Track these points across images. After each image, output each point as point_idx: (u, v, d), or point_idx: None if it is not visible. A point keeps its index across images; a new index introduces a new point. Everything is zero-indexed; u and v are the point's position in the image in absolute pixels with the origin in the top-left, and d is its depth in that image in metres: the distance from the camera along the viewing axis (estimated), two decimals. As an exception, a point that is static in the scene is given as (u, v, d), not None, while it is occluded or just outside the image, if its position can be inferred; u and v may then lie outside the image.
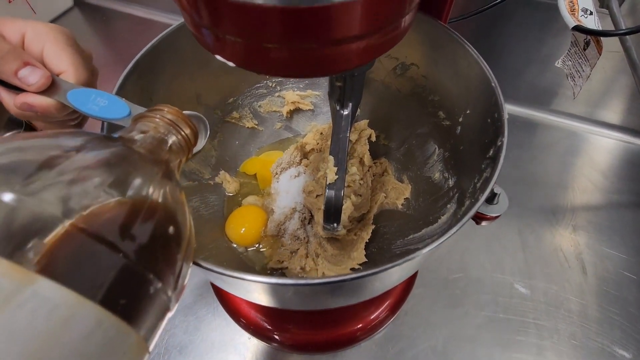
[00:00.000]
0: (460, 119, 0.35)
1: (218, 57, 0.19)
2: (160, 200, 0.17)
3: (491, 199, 0.27)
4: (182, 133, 0.20)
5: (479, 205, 0.22)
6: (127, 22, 0.85)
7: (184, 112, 0.22)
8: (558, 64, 0.46)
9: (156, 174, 0.17)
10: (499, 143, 0.25)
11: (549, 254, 0.52)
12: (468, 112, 0.33)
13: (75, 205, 0.14)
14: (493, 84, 0.29)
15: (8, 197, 0.13)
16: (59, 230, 0.13)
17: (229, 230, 0.41)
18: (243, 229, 0.41)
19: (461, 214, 0.28)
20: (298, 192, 0.43)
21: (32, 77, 0.22)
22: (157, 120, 0.20)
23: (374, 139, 0.43)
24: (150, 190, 0.16)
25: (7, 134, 0.17)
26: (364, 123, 0.44)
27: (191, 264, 0.19)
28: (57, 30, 0.25)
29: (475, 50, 0.31)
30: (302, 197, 0.43)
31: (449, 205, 0.35)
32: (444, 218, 0.34)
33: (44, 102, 0.23)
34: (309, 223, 0.43)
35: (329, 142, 0.45)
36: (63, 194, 0.14)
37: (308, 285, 0.20)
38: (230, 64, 0.19)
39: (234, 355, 0.43)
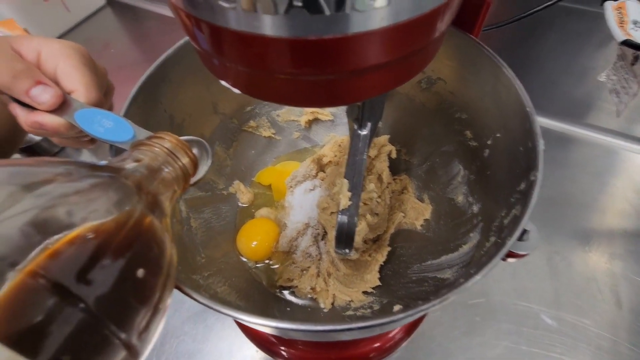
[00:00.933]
0: (489, 142, 0.32)
1: (223, 82, 0.18)
2: (136, 239, 0.15)
3: (520, 235, 0.25)
4: (180, 163, 0.19)
5: (507, 249, 0.20)
6: (155, 21, 0.86)
7: (185, 137, 0.21)
8: (601, 77, 0.42)
9: (136, 208, 0.16)
10: (532, 178, 0.23)
11: (581, 284, 0.48)
12: (498, 135, 0.31)
13: (31, 245, 0.12)
14: (528, 109, 0.26)
15: None
16: (11, 275, 0.12)
17: (240, 243, 0.40)
18: (254, 243, 0.40)
19: (485, 250, 0.26)
20: (312, 207, 0.42)
21: (43, 96, 0.22)
22: (156, 149, 0.19)
23: (394, 155, 0.41)
24: (125, 228, 0.15)
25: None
26: (384, 139, 0.42)
27: (169, 301, 0.18)
28: (72, 49, 0.25)
29: (510, 70, 0.28)
30: (316, 212, 0.41)
31: (471, 234, 0.32)
32: (465, 248, 0.32)
33: (54, 121, 0.23)
34: (322, 239, 0.42)
35: (347, 156, 0.43)
36: (22, 231, 0.12)
37: (315, 331, 0.19)
38: (236, 90, 0.18)
39: (240, 369, 0.43)
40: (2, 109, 0.32)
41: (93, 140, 0.28)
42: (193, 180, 0.22)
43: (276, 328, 0.19)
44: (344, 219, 0.28)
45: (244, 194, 0.44)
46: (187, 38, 0.33)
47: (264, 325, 0.19)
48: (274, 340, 0.42)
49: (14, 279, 0.12)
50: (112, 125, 0.23)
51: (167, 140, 0.20)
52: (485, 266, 0.20)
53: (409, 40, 0.15)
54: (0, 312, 0.11)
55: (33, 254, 0.12)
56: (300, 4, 0.12)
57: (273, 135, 0.47)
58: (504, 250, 0.20)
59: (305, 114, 0.47)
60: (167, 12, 0.86)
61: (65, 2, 0.77)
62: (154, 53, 0.87)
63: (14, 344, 0.11)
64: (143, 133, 0.23)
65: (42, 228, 0.13)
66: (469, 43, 0.31)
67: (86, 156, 0.63)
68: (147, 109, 0.31)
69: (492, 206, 0.29)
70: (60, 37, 0.79)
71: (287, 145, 0.48)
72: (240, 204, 0.44)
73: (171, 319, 0.45)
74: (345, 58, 0.14)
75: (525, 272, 0.49)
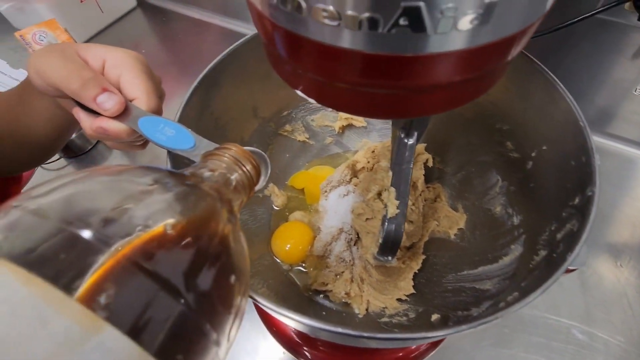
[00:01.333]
0: (533, 154, 0.32)
1: (298, 92, 0.19)
2: (226, 244, 0.16)
3: (570, 250, 0.25)
4: (247, 173, 0.20)
5: (568, 264, 0.20)
6: (184, 23, 0.88)
7: (247, 148, 0.22)
8: (636, 91, 0.41)
9: (222, 216, 0.17)
10: (589, 193, 0.23)
11: (612, 299, 0.47)
12: (545, 148, 0.31)
13: (142, 248, 0.13)
14: (582, 124, 0.26)
15: (86, 234, 0.13)
16: (125, 272, 0.12)
17: (275, 246, 0.41)
18: (288, 246, 0.41)
19: (535, 264, 0.26)
20: (346, 212, 0.42)
21: (108, 103, 0.24)
22: (226, 159, 0.20)
23: (430, 164, 0.41)
24: (218, 233, 0.16)
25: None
26: (421, 147, 0.42)
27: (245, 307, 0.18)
28: (134, 58, 0.26)
29: (561, 84, 0.28)
30: (351, 217, 0.41)
31: (512, 246, 0.32)
32: (506, 260, 0.32)
33: (117, 127, 0.24)
34: (354, 245, 0.42)
35: (381, 163, 0.44)
36: (134, 234, 0.13)
37: (376, 339, 0.19)
38: (311, 100, 0.18)
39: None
40: (53, 113, 0.33)
41: (144, 145, 0.29)
42: (256, 188, 0.23)
43: (332, 332, 0.20)
44: (391, 227, 0.28)
45: (278, 197, 0.44)
46: (236, 44, 0.33)
47: (325, 330, 0.20)
48: (299, 341, 0.43)
49: (115, 255, 0.12)
50: (173, 134, 0.24)
51: (234, 151, 0.21)
52: (546, 282, 0.20)
53: (493, 58, 0.15)
54: (117, 298, 0.12)
55: (134, 237, 0.13)
56: (405, 23, 0.12)
57: (307, 140, 0.47)
58: (565, 265, 0.20)
59: (340, 119, 0.47)
60: (195, 14, 0.88)
61: (99, 3, 0.79)
62: (183, 54, 0.88)
63: (131, 334, 0.12)
64: (204, 142, 0.24)
65: (144, 220, 0.14)
66: (518, 55, 0.31)
67: (116, 157, 0.65)
68: (197, 112, 0.32)
69: (537, 219, 0.29)
70: (94, 36, 0.81)
71: (320, 149, 0.49)
72: (274, 207, 0.44)
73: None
74: (432, 74, 0.15)
75: (556, 286, 0.48)
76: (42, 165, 0.62)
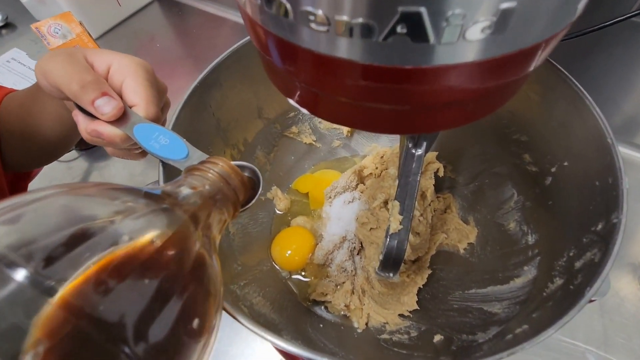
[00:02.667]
0: (553, 170, 0.30)
1: (291, 101, 0.17)
2: (195, 277, 0.15)
3: (590, 280, 0.22)
4: (233, 191, 0.19)
5: (586, 301, 0.18)
6: (200, 18, 0.87)
7: (237, 162, 0.20)
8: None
9: (193, 244, 0.16)
10: (614, 220, 0.21)
11: (634, 324, 0.44)
12: (566, 164, 0.28)
13: (85, 291, 0.12)
14: (609, 140, 0.23)
15: (20, 274, 0.11)
16: (59, 320, 0.11)
17: (275, 252, 0.40)
18: (289, 252, 0.39)
19: (550, 293, 0.24)
20: (350, 220, 0.40)
21: (106, 107, 0.23)
22: (210, 175, 0.18)
23: (441, 174, 0.39)
24: (184, 268, 0.14)
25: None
26: (432, 155, 0.40)
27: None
28: (139, 65, 0.26)
29: (588, 95, 0.25)
30: (354, 226, 0.40)
31: (526, 267, 0.30)
32: (518, 282, 0.30)
33: (111, 132, 0.24)
34: (357, 254, 0.40)
35: (389, 170, 0.42)
36: (75, 272, 0.12)
37: None
38: (304, 111, 0.17)
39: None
40: (62, 114, 0.33)
41: (143, 154, 0.28)
42: (243, 208, 0.21)
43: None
44: (393, 243, 0.26)
45: (281, 201, 0.43)
46: (239, 43, 0.32)
47: (302, 355, 0.18)
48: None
49: (60, 310, 0.11)
50: (167, 143, 0.23)
51: (221, 166, 0.19)
52: (561, 318, 0.18)
53: (507, 72, 0.13)
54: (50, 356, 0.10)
55: (81, 285, 0.12)
56: (404, 31, 0.11)
57: (314, 142, 0.46)
58: (584, 302, 0.18)
59: (349, 122, 0.45)
60: (211, 9, 0.87)
61: (117, -3, 0.80)
62: (197, 49, 0.87)
63: None
64: (197, 153, 0.23)
65: (92, 259, 0.12)
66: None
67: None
68: (197, 112, 0.31)
69: (554, 241, 0.27)
70: (111, 30, 0.82)
71: (327, 153, 0.47)
72: (277, 211, 0.43)
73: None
74: (436, 89, 0.13)
75: (572, 306, 0.45)
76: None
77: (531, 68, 0.14)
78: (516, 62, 0.13)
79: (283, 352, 0.42)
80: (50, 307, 0.11)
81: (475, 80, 0.13)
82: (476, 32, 0.11)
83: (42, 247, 0.12)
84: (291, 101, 0.17)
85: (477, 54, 0.12)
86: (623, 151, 0.57)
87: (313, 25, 0.11)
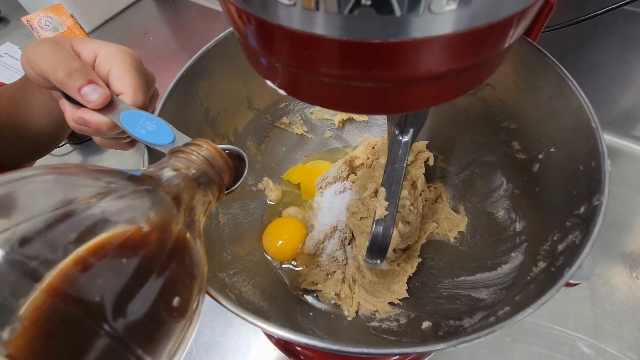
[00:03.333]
0: (541, 156, 0.30)
1: (269, 82, 0.17)
2: (171, 258, 0.15)
3: (573, 263, 0.23)
4: (218, 174, 0.19)
5: (565, 281, 0.18)
6: (193, 11, 0.87)
7: (223, 146, 0.20)
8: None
9: (175, 225, 0.16)
10: (595, 202, 0.21)
11: (624, 312, 0.44)
12: (552, 150, 0.28)
13: (60, 252, 0.12)
14: (593, 124, 0.23)
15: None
16: (39, 299, 0.11)
17: (266, 242, 0.40)
18: (280, 242, 0.39)
19: (533, 276, 0.24)
20: (341, 210, 0.40)
21: (92, 94, 0.23)
22: (193, 157, 0.18)
23: (432, 163, 0.39)
24: (165, 247, 0.14)
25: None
26: (422, 144, 0.40)
27: (196, 326, 0.17)
28: (126, 54, 0.26)
29: (573, 80, 0.25)
30: (345, 215, 0.40)
31: (513, 254, 0.30)
32: (505, 268, 0.30)
33: (98, 119, 0.24)
34: (349, 244, 0.40)
35: (380, 159, 0.42)
36: (55, 253, 0.12)
37: (362, 354, 0.17)
38: (282, 92, 0.17)
39: (257, 365, 0.43)
40: (51, 106, 0.33)
41: (132, 143, 0.28)
42: (228, 190, 0.21)
43: (304, 344, 0.18)
44: (378, 229, 0.26)
45: (272, 192, 0.43)
46: (226, 31, 0.32)
47: (290, 339, 0.18)
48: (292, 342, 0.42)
49: (40, 289, 0.11)
50: (154, 128, 0.23)
51: (205, 149, 0.19)
52: (539, 299, 0.18)
53: (479, 48, 0.13)
54: (27, 331, 0.11)
55: (61, 264, 0.12)
56: (368, 2, 0.11)
57: (305, 133, 0.46)
58: (561, 282, 0.18)
59: (340, 113, 0.45)
60: (205, 2, 0.87)
61: (111, -11, 0.79)
62: (191, 42, 0.87)
63: None
64: (183, 138, 0.23)
65: (73, 239, 0.12)
66: (527, 48, 0.28)
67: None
68: (184, 101, 0.31)
69: (540, 226, 0.27)
70: (104, 23, 0.81)
71: (318, 144, 0.47)
72: (268, 202, 0.43)
73: (193, 309, 0.46)
74: (406, 64, 0.13)
75: (563, 296, 0.46)
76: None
77: (505, 44, 0.14)
78: (487, 37, 0.13)
79: (277, 342, 0.42)
80: (31, 287, 0.11)
81: (448, 55, 0.13)
82: (441, 4, 0.11)
83: (23, 227, 0.12)
84: (269, 82, 0.17)
85: (445, 27, 0.11)
86: (620, 142, 0.57)
87: (279, -1, 0.11)
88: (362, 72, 0.13)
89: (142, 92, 0.25)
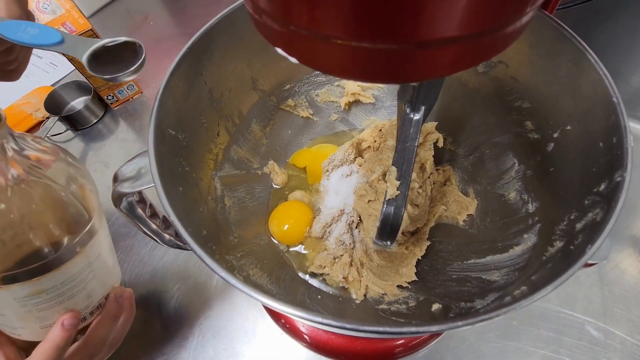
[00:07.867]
0: (556, 135, 0.29)
1: (279, 50, 0.16)
2: None
3: (591, 242, 0.22)
4: None
5: (587, 258, 0.17)
6: (194, -6, 0.85)
7: (112, 39, 0.21)
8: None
9: None
10: (618, 178, 0.20)
11: (633, 296, 0.44)
12: (569, 128, 0.27)
13: None
14: (615, 99, 0.22)
15: None
16: None
17: (272, 225, 0.39)
18: (286, 226, 0.39)
19: (549, 256, 0.23)
20: (348, 194, 0.40)
21: None
22: None
23: (441, 144, 0.38)
24: None
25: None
26: (431, 125, 0.39)
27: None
28: None
29: (593, 54, 0.24)
30: (352, 199, 0.39)
31: (525, 235, 0.29)
32: (517, 250, 0.29)
33: None
34: (356, 227, 0.40)
35: (387, 142, 0.41)
36: None
37: (370, 331, 0.17)
38: (293, 59, 0.16)
39: (264, 349, 0.43)
40: None
41: (17, 72, 0.29)
42: (125, 74, 0.22)
43: (317, 323, 0.18)
44: (390, 209, 0.26)
45: (278, 175, 0.42)
46: (231, 7, 0.31)
47: (304, 318, 0.18)
48: (300, 327, 0.41)
49: None
50: (37, 32, 0.24)
51: None
52: (560, 277, 0.17)
53: (499, 8, 0.12)
54: None
55: None
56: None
57: (310, 116, 0.45)
58: (583, 260, 0.17)
59: (346, 95, 0.44)
60: (205, -15, 0.85)
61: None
62: (191, 27, 0.85)
63: None
64: (71, 37, 0.24)
65: None
66: (544, 22, 0.27)
67: (122, 129, 0.64)
68: (188, 80, 0.30)
69: (555, 206, 0.26)
70: (104, 7, 0.80)
71: (324, 127, 0.46)
72: (274, 185, 0.43)
73: (199, 294, 0.45)
74: (422, 22, 0.12)
75: (572, 279, 0.45)
76: (50, 137, 0.62)
77: (527, 9, 0.13)
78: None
79: (283, 325, 0.42)
80: None
81: (465, 12, 0.12)
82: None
83: None
84: (279, 50, 0.16)
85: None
86: (630, 125, 0.56)
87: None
88: (379, 30, 0.12)
89: (17, 5, 0.26)
